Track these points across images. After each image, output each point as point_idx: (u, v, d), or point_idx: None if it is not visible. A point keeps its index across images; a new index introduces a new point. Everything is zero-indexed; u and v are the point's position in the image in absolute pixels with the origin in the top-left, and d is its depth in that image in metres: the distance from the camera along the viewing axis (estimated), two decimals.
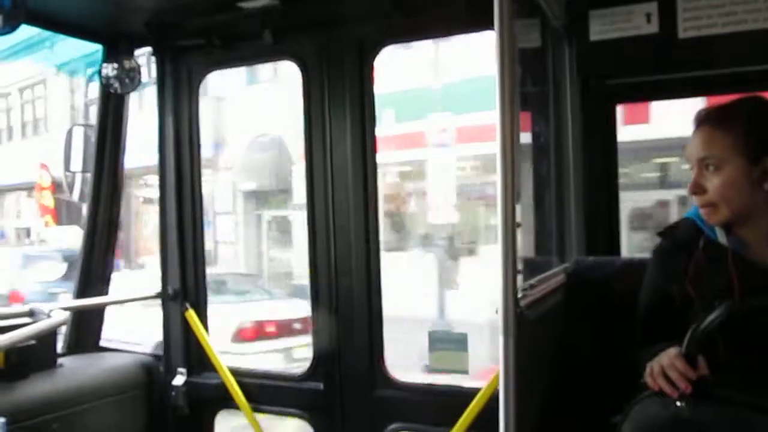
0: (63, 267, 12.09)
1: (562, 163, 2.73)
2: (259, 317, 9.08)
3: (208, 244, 3.18)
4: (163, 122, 3.27)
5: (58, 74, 21.18)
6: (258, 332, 8.90)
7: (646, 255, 2.24)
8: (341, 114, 2.94)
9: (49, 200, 19.28)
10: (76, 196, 3.76)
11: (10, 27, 2.64)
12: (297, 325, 8.96)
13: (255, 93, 15.66)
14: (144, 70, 3.38)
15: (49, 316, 2.65)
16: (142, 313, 6.74)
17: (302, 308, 8.61)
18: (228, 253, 16.67)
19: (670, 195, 10.63)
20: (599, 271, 2.47)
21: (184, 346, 3.24)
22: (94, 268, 3.30)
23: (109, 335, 3.45)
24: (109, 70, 3.27)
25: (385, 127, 11.14)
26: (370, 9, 2.83)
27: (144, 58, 3.43)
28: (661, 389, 1.74)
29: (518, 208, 1.73)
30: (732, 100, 1.99)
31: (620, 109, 2.80)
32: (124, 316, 6.57)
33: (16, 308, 2.75)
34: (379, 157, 2.96)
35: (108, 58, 3.28)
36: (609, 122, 2.75)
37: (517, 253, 1.69)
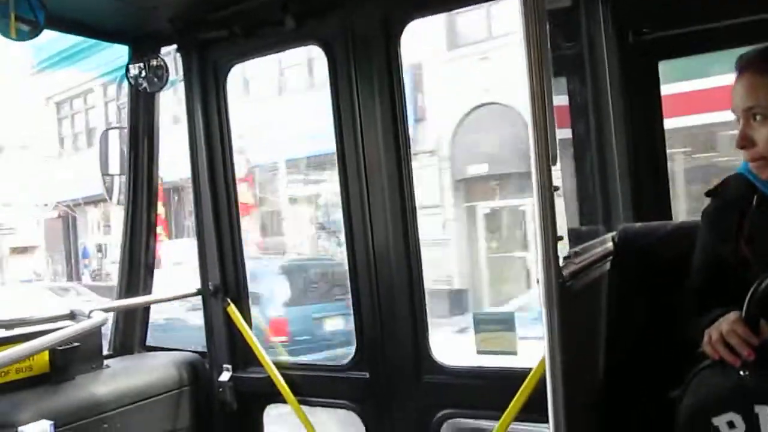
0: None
1: (603, 127, 2.58)
2: None
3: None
4: (193, 118, 3.26)
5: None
6: None
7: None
8: (370, 96, 2.86)
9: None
10: (115, 200, 3.79)
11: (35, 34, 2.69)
12: None
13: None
14: (172, 68, 3.39)
15: (89, 317, 2.65)
16: None
17: None
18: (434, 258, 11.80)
19: None
20: (648, 237, 2.32)
21: (227, 341, 3.23)
22: (134, 270, 3.32)
23: None
24: (136, 69, 3.28)
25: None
26: None
27: (171, 56, 3.43)
28: (721, 358, 1.63)
29: (558, 172, 1.63)
30: None
31: None
32: None
33: (58, 311, 2.77)
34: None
35: (134, 58, 3.29)
36: (652, 81, 2.58)
37: (556, 218, 1.58)
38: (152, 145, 3.38)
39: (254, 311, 3.35)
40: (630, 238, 2.36)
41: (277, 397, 3.10)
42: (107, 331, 3.25)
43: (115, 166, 3.43)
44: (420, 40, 10.46)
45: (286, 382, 3.06)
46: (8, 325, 2.64)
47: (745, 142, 1.79)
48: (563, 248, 1.77)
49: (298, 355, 6.37)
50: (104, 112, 21.12)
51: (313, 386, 3.07)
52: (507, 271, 11.82)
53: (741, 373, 1.60)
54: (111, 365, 3.00)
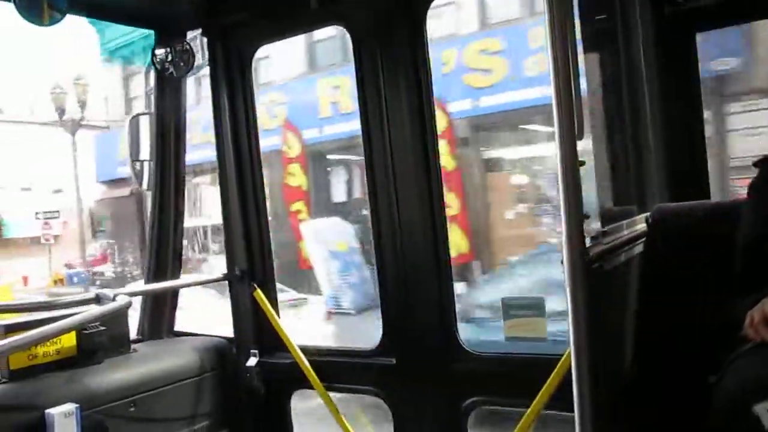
0: None
1: (637, 103, 2.47)
2: None
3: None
4: (218, 102, 3.23)
5: None
6: None
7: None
8: (395, 75, 2.80)
9: (300, 178, 12.73)
10: (145, 185, 3.79)
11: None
12: None
13: None
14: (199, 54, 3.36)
15: (114, 300, 2.65)
16: None
17: None
18: None
19: None
20: (685, 217, 2.22)
21: (254, 326, 3.21)
22: (162, 255, 3.31)
23: None
24: (163, 54, 3.27)
25: None
26: None
27: (197, 41, 3.41)
28: (763, 341, 1.55)
29: (586, 146, 1.54)
30: None
31: None
32: None
33: (83, 295, 2.77)
34: None
35: (160, 42, 3.27)
36: (690, 54, 2.45)
37: (581, 194, 1.50)
38: (179, 130, 3.36)
39: None
40: (665, 217, 2.25)
41: (304, 383, 3.07)
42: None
43: (144, 152, 3.43)
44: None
45: (313, 367, 3.03)
46: (34, 308, 2.66)
47: None
48: (593, 228, 1.68)
49: None
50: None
51: (339, 372, 3.03)
52: None
53: None
54: (138, 350, 3.00)
